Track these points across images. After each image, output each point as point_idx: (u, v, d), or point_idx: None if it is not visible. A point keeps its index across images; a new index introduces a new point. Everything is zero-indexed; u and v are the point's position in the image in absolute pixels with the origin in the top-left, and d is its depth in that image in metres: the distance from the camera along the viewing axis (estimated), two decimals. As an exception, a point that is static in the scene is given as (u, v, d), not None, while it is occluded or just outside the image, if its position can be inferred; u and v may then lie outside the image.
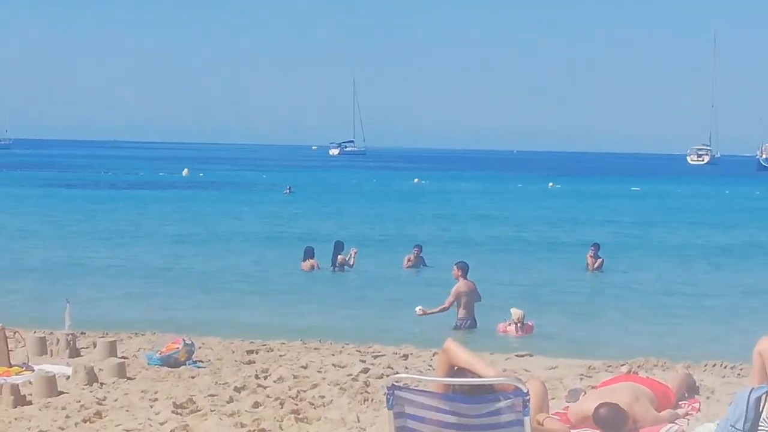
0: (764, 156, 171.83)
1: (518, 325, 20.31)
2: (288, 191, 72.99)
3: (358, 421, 10.89)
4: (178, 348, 14.14)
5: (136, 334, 17.55)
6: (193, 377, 13.23)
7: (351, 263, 29.92)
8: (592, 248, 31.65)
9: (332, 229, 42.73)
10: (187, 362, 14.05)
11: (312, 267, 29.62)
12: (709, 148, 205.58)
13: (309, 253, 29.98)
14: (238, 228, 44.42)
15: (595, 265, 31.12)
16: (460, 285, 20.75)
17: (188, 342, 14.37)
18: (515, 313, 20.48)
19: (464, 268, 21.05)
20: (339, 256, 29.87)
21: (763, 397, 9.51)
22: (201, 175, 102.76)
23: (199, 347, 15.23)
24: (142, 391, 12.29)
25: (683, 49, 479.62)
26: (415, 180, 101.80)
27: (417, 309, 20.84)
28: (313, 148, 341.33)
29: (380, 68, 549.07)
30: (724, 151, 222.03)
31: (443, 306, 20.79)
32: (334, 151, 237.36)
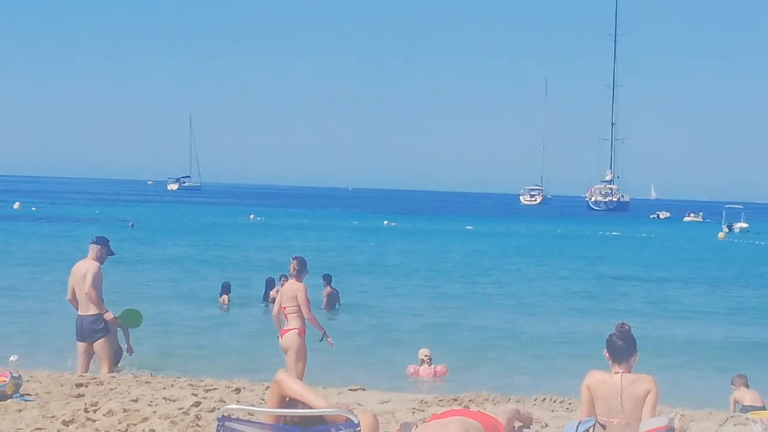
0: (593, 198, 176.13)
1: (426, 363, 20.16)
2: (131, 226, 72.30)
3: (189, 454, 10.77)
4: (5, 381, 13.80)
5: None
6: (20, 410, 12.92)
7: None
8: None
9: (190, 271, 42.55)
10: (14, 395, 13.73)
11: (225, 301, 31.23)
12: (541, 188, 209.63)
13: (225, 288, 31.70)
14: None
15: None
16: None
17: (15, 375, 14.04)
18: (422, 351, 20.37)
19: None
20: (271, 292, 30.61)
21: (591, 429, 9.73)
22: (33, 209, 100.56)
23: (27, 380, 14.89)
24: (-35, 425, 11.97)
25: (516, 93, 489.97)
26: (251, 216, 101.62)
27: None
28: (149, 182, 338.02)
29: (216, 105, 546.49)
30: (555, 192, 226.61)
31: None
32: (173, 186, 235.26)
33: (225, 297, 31.38)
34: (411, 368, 20.31)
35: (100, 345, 17.00)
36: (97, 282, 16.84)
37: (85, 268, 16.87)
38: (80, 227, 71.74)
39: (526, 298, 36.23)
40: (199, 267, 43.92)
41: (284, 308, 16.30)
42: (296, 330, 16.24)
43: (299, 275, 16.47)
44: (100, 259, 17.02)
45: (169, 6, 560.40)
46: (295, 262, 16.54)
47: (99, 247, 17.06)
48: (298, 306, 16.20)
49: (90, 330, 17.03)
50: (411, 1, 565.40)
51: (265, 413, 7.50)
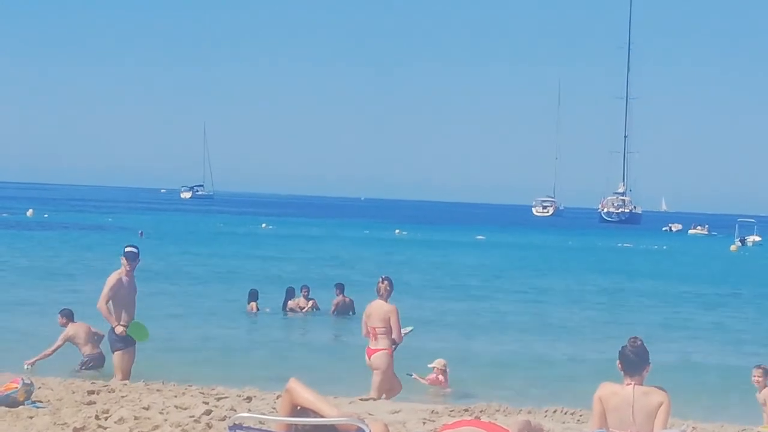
0: (605, 210, 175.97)
1: (445, 373, 20.15)
2: (141, 235, 71.79)
3: (200, 462, 10.76)
4: (16, 387, 13.82)
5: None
6: (31, 417, 12.94)
7: (303, 309, 31.23)
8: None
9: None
10: (25, 402, 13.75)
11: (253, 309, 31.37)
12: (553, 200, 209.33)
13: (253, 296, 31.84)
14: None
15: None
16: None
17: (27, 382, 14.06)
18: (439, 362, 20.32)
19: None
20: (290, 302, 31.50)
21: (602, 441, 9.70)
22: (46, 216, 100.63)
23: (39, 387, 14.91)
24: (-23, 432, 11.98)
25: (528, 104, 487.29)
26: (263, 225, 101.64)
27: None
28: (162, 191, 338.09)
29: (230, 114, 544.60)
30: (567, 203, 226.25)
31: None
32: (186, 195, 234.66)
33: (253, 304, 31.44)
34: (431, 377, 20.24)
35: (116, 357, 17.23)
36: (109, 294, 17.01)
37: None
38: (91, 234, 71.79)
39: (537, 309, 36.15)
40: (209, 276, 43.83)
41: (373, 329, 16.69)
42: (386, 350, 16.70)
43: (389, 296, 16.87)
44: (124, 269, 17.20)
45: (181, 13, 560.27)
46: (386, 283, 16.91)
47: (122, 257, 17.31)
48: (388, 327, 16.64)
49: (110, 340, 17.34)
50: (432, 10, 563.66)
51: (276, 422, 7.49)
